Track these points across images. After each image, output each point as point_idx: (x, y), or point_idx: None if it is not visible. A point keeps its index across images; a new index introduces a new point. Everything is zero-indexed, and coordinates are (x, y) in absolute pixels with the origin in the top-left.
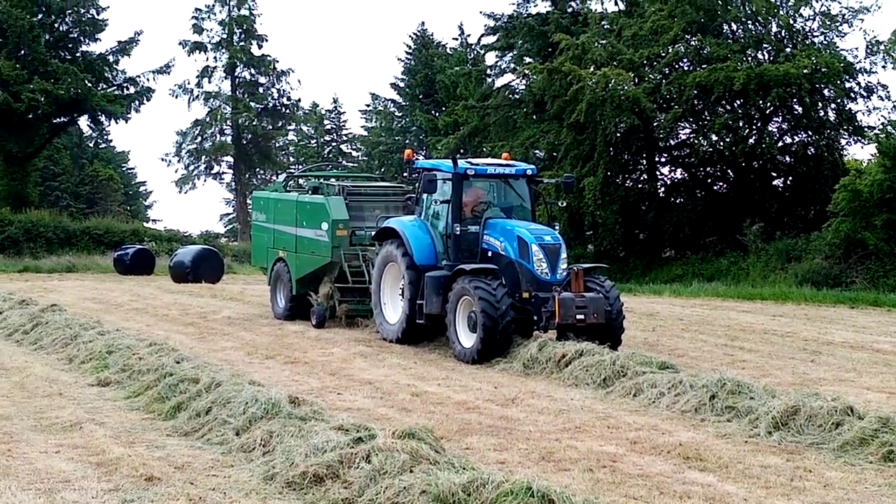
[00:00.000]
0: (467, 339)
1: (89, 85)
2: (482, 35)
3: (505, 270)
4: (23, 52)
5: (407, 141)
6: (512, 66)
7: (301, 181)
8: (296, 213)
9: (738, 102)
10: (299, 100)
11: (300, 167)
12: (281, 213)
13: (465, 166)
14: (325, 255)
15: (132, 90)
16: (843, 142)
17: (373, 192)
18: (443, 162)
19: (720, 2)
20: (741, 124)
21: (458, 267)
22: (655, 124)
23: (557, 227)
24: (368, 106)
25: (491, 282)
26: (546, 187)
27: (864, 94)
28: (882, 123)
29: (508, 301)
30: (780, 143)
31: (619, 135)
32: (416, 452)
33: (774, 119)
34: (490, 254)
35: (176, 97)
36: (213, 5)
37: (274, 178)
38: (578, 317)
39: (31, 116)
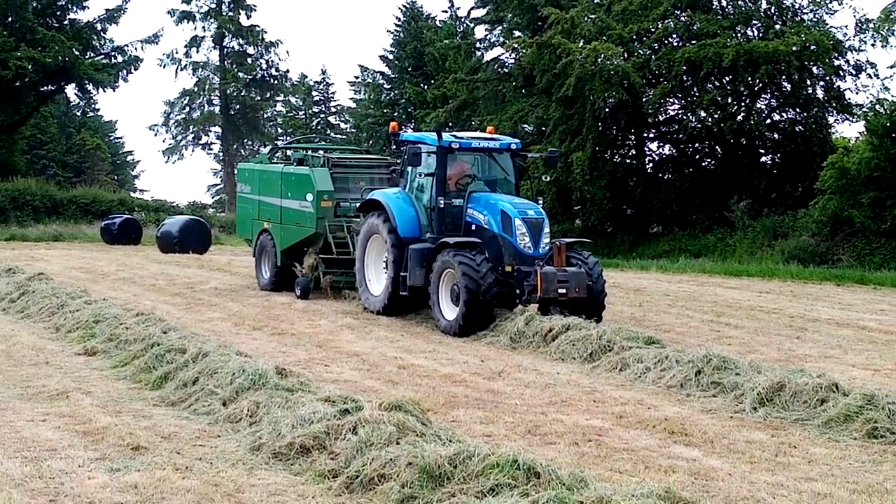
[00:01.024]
0: (450, 311)
1: (77, 53)
2: (472, 8)
3: (488, 244)
4: (10, 19)
5: (395, 114)
6: (501, 39)
7: (286, 153)
8: (281, 185)
9: (727, 79)
10: (287, 71)
11: (288, 138)
12: (266, 184)
13: (450, 139)
14: (309, 227)
15: (120, 59)
16: (831, 119)
17: (358, 163)
18: (427, 135)
19: None
20: (730, 101)
21: (442, 240)
22: (644, 100)
23: (542, 202)
24: (357, 78)
25: (474, 255)
26: (534, 161)
27: (853, 72)
28: (870, 101)
29: (491, 275)
30: (768, 121)
31: (607, 110)
32: (402, 424)
33: (763, 96)
34: (473, 227)
35: (164, 67)
36: None
37: (262, 149)
38: (560, 291)
39: (17, 84)
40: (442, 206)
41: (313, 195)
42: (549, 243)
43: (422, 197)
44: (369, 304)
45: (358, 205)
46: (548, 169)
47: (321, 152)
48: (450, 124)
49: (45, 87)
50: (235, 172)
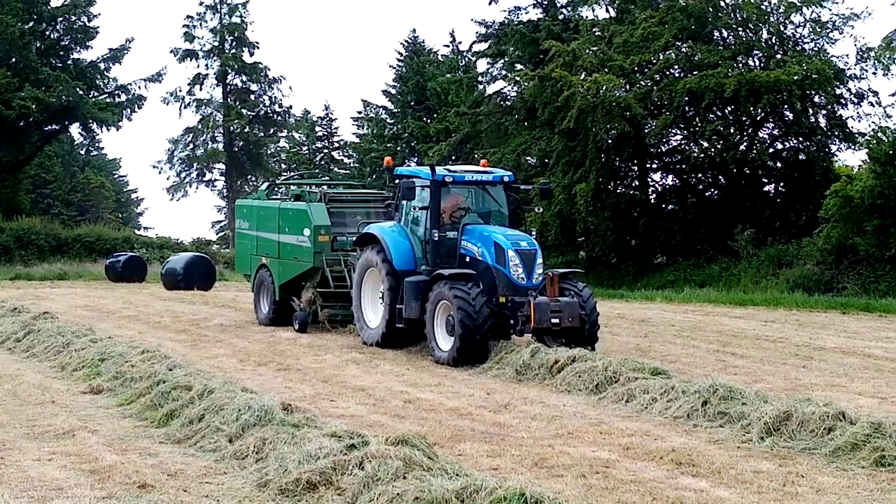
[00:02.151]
0: (445, 342)
1: (81, 93)
2: (473, 42)
3: (482, 275)
4: (14, 59)
5: (398, 148)
6: (503, 72)
7: (283, 188)
8: (278, 220)
9: (729, 109)
10: (291, 107)
11: (292, 174)
12: (264, 220)
13: (443, 173)
14: (307, 261)
15: (123, 98)
16: (833, 148)
17: (354, 198)
18: (421, 169)
19: (711, 9)
20: (732, 131)
21: (437, 272)
22: (646, 130)
23: (534, 234)
24: (360, 113)
25: (468, 287)
26: (529, 193)
27: (855, 100)
28: (872, 129)
29: (486, 306)
30: (770, 150)
31: (610, 141)
32: (409, 459)
33: (765, 125)
34: (468, 259)
35: (167, 104)
36: (205, 13)
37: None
38: (553, 321)
39: (22, 124)
40: (436, 238)
41: (310, 230)
42: (543, 274)
43: (417, 230)
44: (366, 336)
45: (354, 239)
46: (542, 201)
47: (319, 187)
48: (453, 158)
49: (50, 127)
50: (234, 208)
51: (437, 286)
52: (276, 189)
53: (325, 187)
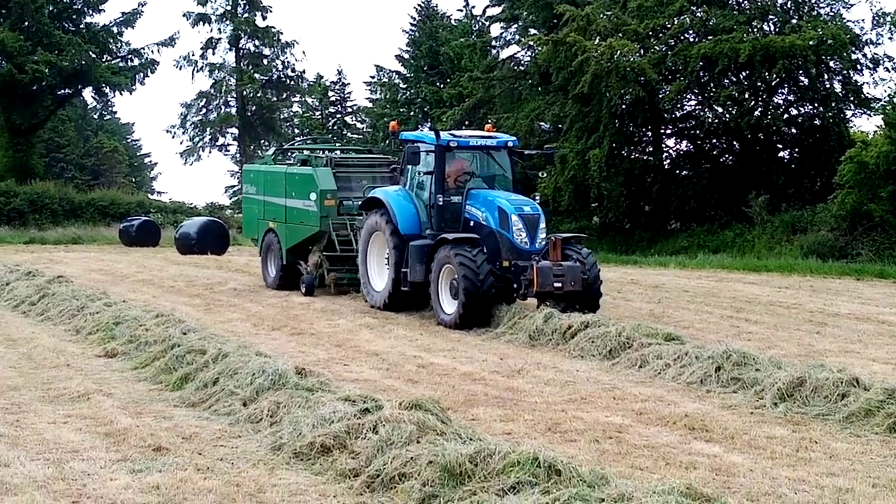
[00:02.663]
0: (450, 305)
1: (93, 56)
2: (487, 6)
3: (486, 240)
4: (26, 23)
5: (412, 113)
6: (517, 37)
7: (290, 153)
8: (285, 185)
9: (744, 74)
10: (304, 71)
11: (298, 139)
12: (271, 184)
13: (448, 138)
14: (313, 225)
15: (136, 62)
16: (848, 113)
17: (360, 163)
18: (426, 134)
19: None
20: (747, 96)
21: (441, 236)
22: (661, 96)
23: (537, 198)
24: (373, 78)
25: (472, 251)
26: (534, 159)
27: (871, 65)
28: (888, 95)
29: (489, 269)
30: (785, 115)
31: (624, 107)
32: (422, 423)
33: (780, 91)
34: (472, 223)
35: (180, 69)
36: None
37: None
38: (556, 285)
39: (35, 88)
40: (441, 203)
41: (317, 194)
42: (546, 238)
43: (422, 194)
44: (372, 299)
45: (360, 203)
46: (546, 166)
47: (325, 152)
48: (466, 123)
49: (63, 91)
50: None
51: (441, 250)
52: (283, 154)
53: (331, 151)
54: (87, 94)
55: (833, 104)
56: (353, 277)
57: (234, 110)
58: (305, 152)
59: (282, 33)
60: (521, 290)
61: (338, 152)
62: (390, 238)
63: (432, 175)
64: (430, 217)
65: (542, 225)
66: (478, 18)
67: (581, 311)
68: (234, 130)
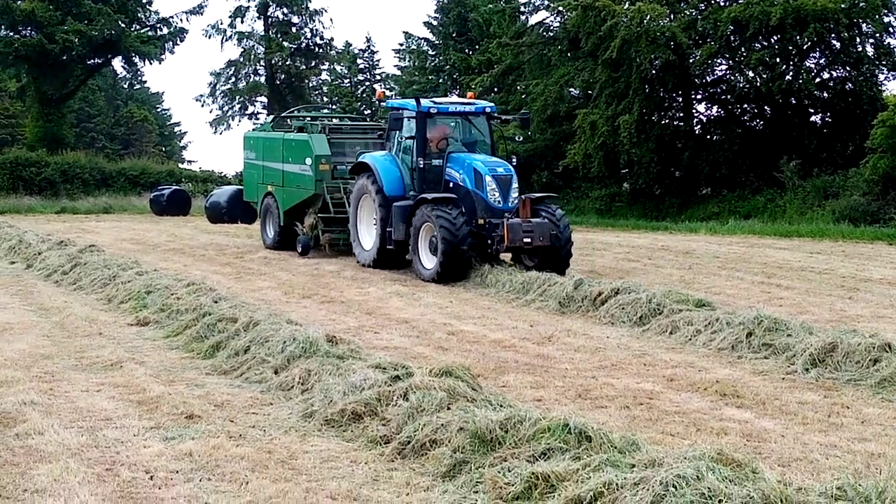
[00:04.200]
0: (429, 261)
1: (123, 26)
2: None
3: (464, 199)
4: None
5: (441, 80)
6: (546, 2)
7: (289, 121)
8: (282, 150)
9: (775, 38)
10: (332, 39)
11: (334, 107)
12: (269, 150)
13: (428, 105)
14: (309, 189)
15: (165, 31)
16: (881, 77)
17: (353, 129)
18: (409, 101)
19: None
20: (778, 60)
21: (420, 196)
22: (691, 61)
23: (514, 161)
24: (401, 45)
25: (450, 209)
26: (509, 124)
27: None
28: None
29: (466, 227)
30: (817, 79)
31: (654, 72)
32: (453, 390)
33: (811, 55)
34: (451, 185)
35: (209, 38)
36: None
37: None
38: (525, 240)
39: (65, 58)
40: (422, 166)
41: (312, 159)
42: (518, 198)
43: (406, 158)
44: (361, 258)
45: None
46: (522, 130)
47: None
48: (495, 89)
49: (92, 61)
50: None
51: (420, 209)
52: (282, 122)
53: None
54: (117, 63)
55: (865, 67)
56: (346, 238)
57: (263, 79)
58: (306, 119)
59: (310, 1)
60: (493, 246)
61: (335, 120)
62: (377, 200)
63: (414, 140)
64: (413, 179)
65: (515, 185)
66: None
67: (551, 270)
68: (264, 99)
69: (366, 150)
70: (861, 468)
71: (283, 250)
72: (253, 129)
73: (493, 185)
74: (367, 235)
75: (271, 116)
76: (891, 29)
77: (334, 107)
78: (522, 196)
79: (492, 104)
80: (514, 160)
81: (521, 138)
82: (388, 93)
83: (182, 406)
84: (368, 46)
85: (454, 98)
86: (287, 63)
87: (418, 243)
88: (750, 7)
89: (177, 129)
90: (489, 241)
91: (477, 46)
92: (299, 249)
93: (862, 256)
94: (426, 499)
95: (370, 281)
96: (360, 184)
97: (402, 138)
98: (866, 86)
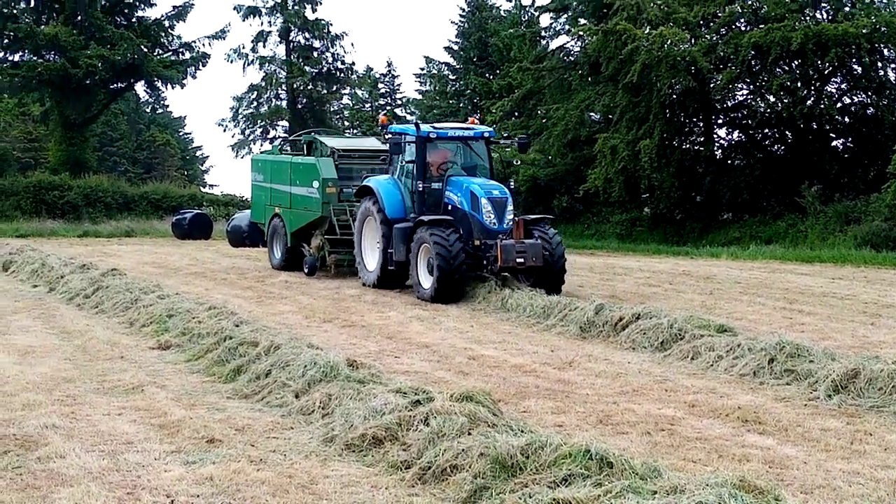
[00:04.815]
0: (426, 281)
1: (145, 50)
2: None
3: (461, 221)
4: (79, 17)
5: (461, 105)
6: (566, 27)
7: (296, 143)
8: (290, 173)
9: (796, 63)
10: (353, 63)
11: (355, 131)
12: (277, 173)
13: (427, 130)
14: (316, 211)
15: (188, 55)
16: None
17: (360, 153)
18: (410, 126)
19: None
20: (799, 85)
21: (419, 218)
22: (711, 85)
23: (513, 184)
24: (422, 69)
25: (446, 231)
26: (506, 148)
27: None
28: None
29: (461, 247)
30: (838, 104)
31: (674, 96)
32: (473, 415)
33: (833, 80)
34: (450, 207)
35: (231, 62)
36: None
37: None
38: (518, 260)
39: (88, 82)
40: (421, 189)
41: (319, 182)
42: (513, 219)
43: (408, 182)
44: (365, 279)
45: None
46: (521, 153)
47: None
48: (515, 114)
49: (115, 85)
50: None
51: (419, 231)
52: (286, 145)
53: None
54: (140, 87)
55: (887, 92)
56: (352, 259)
57: (284, 103)
58: (312, 135)
59: (331, 25)
60: (488, 266)
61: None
62: (379, 222)
63: (414, 164)
64: (414, 202)
65: (510, 207)
66: (527, 9)
67: (547, 291)
68: (285, 123)
69: (371, 173)
70: (884, 496)
71: (290, 271)
72: (261, 153)
73: (489, 208)
74: (371, 257)
75: (278, 140)
76: None
77: (348, 132)
78: (516, 217)
79: (490, 129)
80: (513, 184)
81: (518, 162)
82: (391, 118)
83: (203, 430)
84: (389, 71)
85: (454, 123)
86: (308, 87)
87: (417, 264)
88: (771, 32)
89: (199, 153)
90: (484, 262)
91: (497, 71)
92: (306, 270)
93: (884, 282)
94: None
95: (391, 305)
96: (364, 206)
97: (403, 162)
98: (888, 111)
